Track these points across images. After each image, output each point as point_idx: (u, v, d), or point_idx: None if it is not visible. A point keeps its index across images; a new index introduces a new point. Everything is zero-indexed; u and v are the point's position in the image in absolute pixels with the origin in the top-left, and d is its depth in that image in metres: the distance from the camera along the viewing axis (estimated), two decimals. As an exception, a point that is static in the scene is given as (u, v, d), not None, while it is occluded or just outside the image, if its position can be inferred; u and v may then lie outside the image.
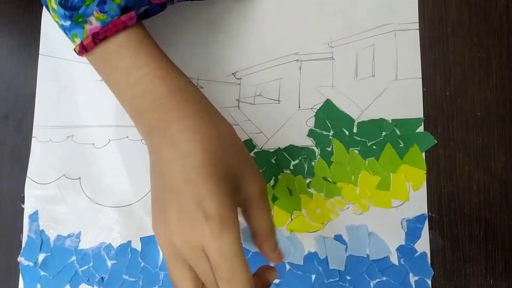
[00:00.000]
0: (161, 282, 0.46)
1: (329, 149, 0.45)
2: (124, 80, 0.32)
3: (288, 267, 0.44)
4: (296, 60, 0.46)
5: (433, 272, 0.43)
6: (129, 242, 0.46)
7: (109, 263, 0.46)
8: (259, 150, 0.46)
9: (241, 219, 0.32)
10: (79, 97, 0.49)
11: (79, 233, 0.47)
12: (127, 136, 0.47)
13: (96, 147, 0.47)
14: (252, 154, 0.46)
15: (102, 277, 0.46)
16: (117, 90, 0.34)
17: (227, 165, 0.30)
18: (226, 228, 0.28)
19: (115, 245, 0.46)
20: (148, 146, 0.32)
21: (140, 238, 0.46)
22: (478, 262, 0.42)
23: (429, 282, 0.43)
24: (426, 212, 0.43)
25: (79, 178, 0.47)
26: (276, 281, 0.44)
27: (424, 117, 0.44)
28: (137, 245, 0.46)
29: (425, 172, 0.44)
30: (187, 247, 0.29)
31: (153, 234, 0.41)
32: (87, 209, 0.47)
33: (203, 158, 0.29)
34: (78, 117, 0.48)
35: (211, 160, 0.29)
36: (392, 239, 0.43)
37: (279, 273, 0.40)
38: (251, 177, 0.32)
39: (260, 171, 0.39)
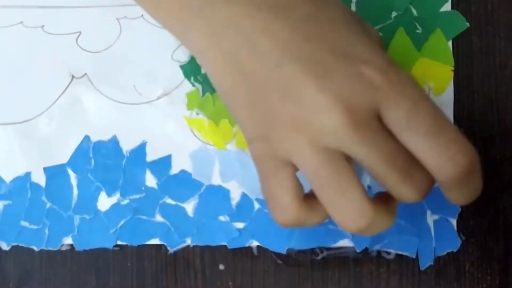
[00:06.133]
0: (76, 229, 0.39)
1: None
2: None
3: (257, 205, 0.39)
4: None
5: (459, 209, 0.38)
6: (28, 174, 0.40)
7: (-1, 204, 0.41)
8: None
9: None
10: None
11: None
12: (22, 22, 0.40)
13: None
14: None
15: (-12, 225, 0.41)
16: None
17: None
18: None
19: (7, 178, 0.40)
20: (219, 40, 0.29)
21: (44, 168, 0.40)
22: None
23: (454, 222, 0.38)
24: (452, 126, 0.38)
25: None
26: (241, 225, 0.38)
27: (451, -11, 0.39)
28: (39, 179, 0.40)
29: (452, 68, 0.39)
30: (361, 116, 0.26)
31: (63, 162, 0.38)
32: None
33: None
34: None
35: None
36: (403, 165, 0.38)
37: (244, 215, 0.38)
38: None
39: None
